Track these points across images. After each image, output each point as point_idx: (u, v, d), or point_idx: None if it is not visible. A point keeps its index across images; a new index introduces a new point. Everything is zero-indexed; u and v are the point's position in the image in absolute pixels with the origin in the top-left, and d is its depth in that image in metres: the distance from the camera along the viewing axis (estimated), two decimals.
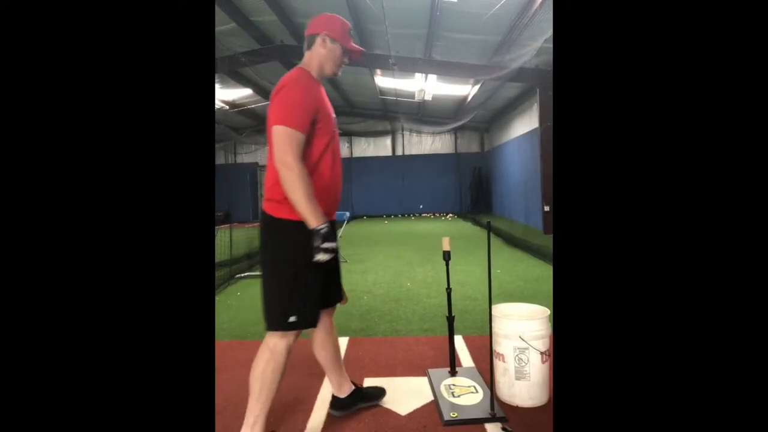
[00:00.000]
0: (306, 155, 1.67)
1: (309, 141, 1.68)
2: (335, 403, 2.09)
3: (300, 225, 1.65)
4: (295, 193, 1.60)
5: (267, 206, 1.73)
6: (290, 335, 1.74)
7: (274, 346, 1.73)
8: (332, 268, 1.88)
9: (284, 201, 1.66)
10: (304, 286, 1.72)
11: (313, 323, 1.80)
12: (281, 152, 1.59)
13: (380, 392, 2.19)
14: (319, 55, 1.77)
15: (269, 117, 1.66)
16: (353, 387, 2.10)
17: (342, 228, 6.68)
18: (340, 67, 1.84)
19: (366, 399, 2.13)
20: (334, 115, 1.88)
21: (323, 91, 1.83)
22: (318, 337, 1.99)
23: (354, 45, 1.83)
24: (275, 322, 1.72)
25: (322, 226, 1.61)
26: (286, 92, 1.65)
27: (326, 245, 1.61)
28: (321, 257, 1.63)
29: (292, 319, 1.70)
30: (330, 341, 2.02)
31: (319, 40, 1.76)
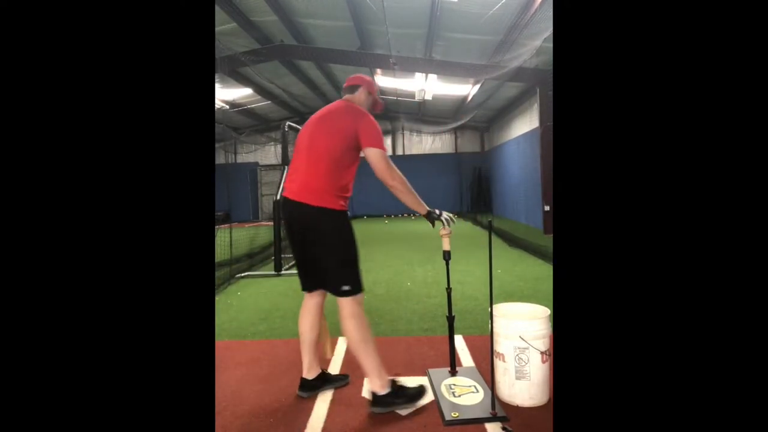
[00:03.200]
0: (348, 175, 2.12)
1: (353, 162, 2.13)
2: (304, 384, 2.30)
3: (346, 213, 2.09)
4: (408, 197, 2.12)
5: (319, 200, 2.04)
6: (360, 298, 2.12)
7: (353, 309, 2.07)
8: None
9: (338, 195, 2.06)
10: (355, 259, 2.14)
11: (361, 287, 2.14)
12: (387, 166, 2.07)
13: (343, 378, 2.43)
14: (360, 100, 2.33)
15: (363, 138, 2.07)
16: (320, 370, 2.37)
17: None
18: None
19: (330, 382, 2.37)
20: None
21: None
22: (310, 318, 2.30)
23: (379, 99, 2.44)
24: (343, 290, 2.07)
25: (431, 209, 2.22)
26: (370, 120, 2.12)
27: (445, 215, 2.25)
28: (448, 226, 2.26)
29: (345, 287, 2.07)
30: (318, 325, 2.33)
31: (361, 89, 2.33)
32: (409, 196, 2.11)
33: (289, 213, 2.14)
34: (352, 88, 2.34)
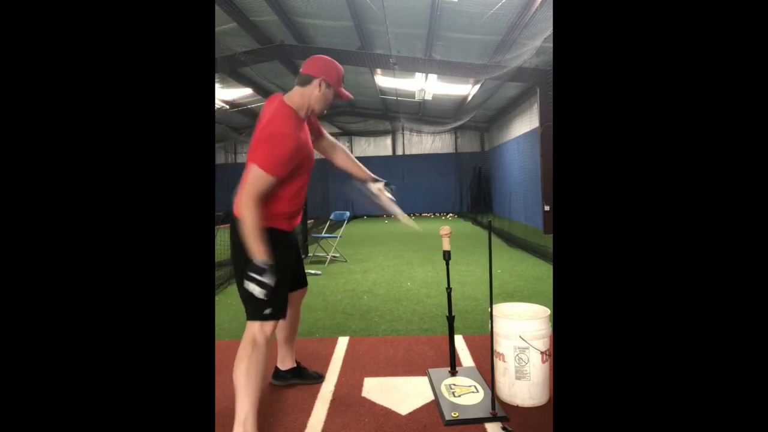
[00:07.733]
0: (280, 189, 1.81)
1: (285, 180, 1.80)
2: (276, 373, 2.39)
3: (266, 229, 1.77)
4: (246, 228, 1.71)
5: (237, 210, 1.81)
6: (268, 328, 1.85)
7: (254, 339, 1.83)
8: (296, 257, 2.17)
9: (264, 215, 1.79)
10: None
11: (284, 314, 1.93)
12: (248, 192, 1.70)
13: (317, 376, 2.45)
14: (312, 96, 1.87)
15: (252, 147, 1.75)
16: (294, 364, 2.41)
17: (342, 228, 6.68)
18: (326, 108, 1.96)
19: (301, 377, 2.41)
20: (312, 151, 1.99)
21: (306, 126, 1.96)
22: (288, 313, 2.12)
23: (345, 92, 1.94)
24: (255, 314, 1.84)
25: (261, 261, 1.71)
26: (280, 140, 1.73)
27: (255, 276, 1.70)
28: (249, 284, 1.71)
29: (267, 311, 1.83)
30: (295, 319, 2.31)
31: (316, 82, 1.85)
32: (248, 237, 1.71)
33: None
34: (304, 80, 1.86)
